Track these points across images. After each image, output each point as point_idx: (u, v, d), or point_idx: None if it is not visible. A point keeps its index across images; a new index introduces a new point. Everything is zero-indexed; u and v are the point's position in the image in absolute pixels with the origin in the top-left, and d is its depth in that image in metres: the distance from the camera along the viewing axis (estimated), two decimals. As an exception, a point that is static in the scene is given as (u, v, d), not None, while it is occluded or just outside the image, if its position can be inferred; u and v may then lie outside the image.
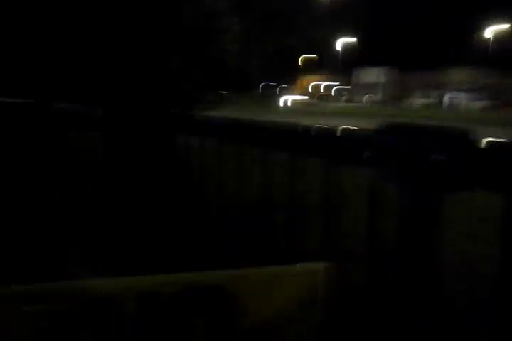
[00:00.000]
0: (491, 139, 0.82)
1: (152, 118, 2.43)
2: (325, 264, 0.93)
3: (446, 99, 27.47)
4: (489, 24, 31.57)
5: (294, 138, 1.37)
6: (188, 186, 2.02)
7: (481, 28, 31.04)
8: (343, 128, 1.24)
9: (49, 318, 0.88)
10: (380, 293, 1.04)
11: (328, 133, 1.30)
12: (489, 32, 32.16)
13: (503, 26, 31.72)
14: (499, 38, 31.37)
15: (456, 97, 27.25)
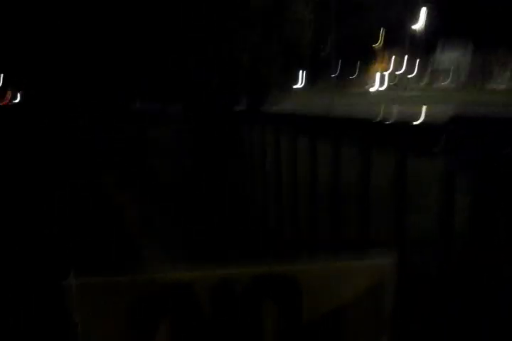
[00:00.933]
0: None
1: (221, 113, 2.53)
2: (393, 257, 0.94)
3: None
4: None
5: (361, 129, 1.37)
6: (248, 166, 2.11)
7: None
8: (415, 119, 1.22)
9: (134, 305, 0.95)
10: (450, 282, 1.03)
11: (400, 124, 1.28)
12: None
13: None
14: None
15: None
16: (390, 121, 1.29)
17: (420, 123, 1.15)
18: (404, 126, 1.22)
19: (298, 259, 0.95)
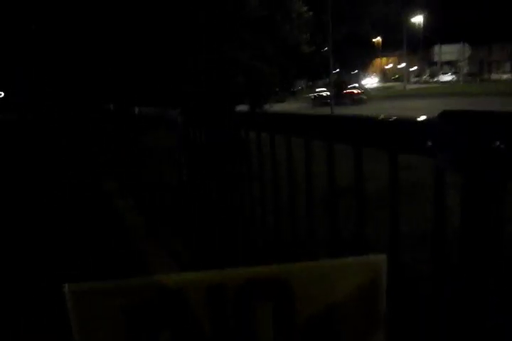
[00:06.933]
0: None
1: (221, 115, 2.53)
2: (386, 255, 0.93)
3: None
4: None
5: (353, 128, 1.36)
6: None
7: None
8: (405, 117, 1.21)
9: (129, 311, 0.95)
10: (444, 282, 1.02)
11: (390, 123, 1.27)
12: None
13: None
14: None
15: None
16: (380, 117, 1.28)
17: (410, 119, 1.13)
18: (394, 122, 1.21)
19: (290, 260, 0.94)
